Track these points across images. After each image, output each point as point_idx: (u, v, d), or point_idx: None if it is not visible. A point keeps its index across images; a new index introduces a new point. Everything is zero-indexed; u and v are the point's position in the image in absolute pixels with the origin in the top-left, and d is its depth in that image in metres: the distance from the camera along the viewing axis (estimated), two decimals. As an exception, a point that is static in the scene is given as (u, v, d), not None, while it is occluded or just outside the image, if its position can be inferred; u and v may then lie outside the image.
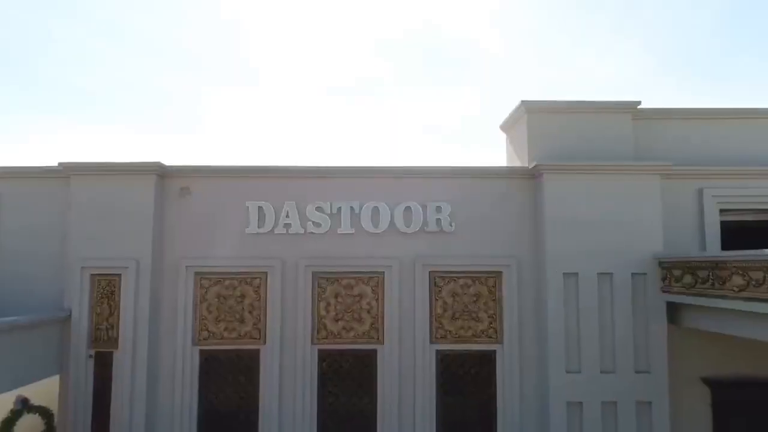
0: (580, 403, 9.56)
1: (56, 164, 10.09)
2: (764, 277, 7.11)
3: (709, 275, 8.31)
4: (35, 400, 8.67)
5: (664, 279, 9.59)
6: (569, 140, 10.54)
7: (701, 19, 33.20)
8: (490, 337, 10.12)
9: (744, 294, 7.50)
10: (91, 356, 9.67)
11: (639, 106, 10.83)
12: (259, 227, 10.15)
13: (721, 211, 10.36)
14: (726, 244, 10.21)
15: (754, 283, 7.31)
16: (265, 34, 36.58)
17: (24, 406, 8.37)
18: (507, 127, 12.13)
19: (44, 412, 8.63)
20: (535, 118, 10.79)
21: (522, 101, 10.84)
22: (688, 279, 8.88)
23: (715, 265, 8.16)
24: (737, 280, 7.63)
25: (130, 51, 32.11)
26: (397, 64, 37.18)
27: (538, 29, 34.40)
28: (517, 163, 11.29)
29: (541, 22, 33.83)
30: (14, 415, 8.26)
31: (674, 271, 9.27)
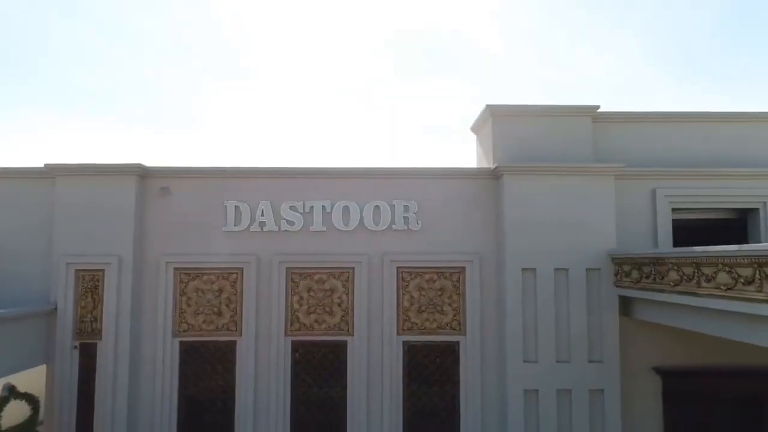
0: (537, 390, 10.17)
1: (42, 165, 10.61)
2: (694, 272, 7.69)
3: (651, 271, 8.90)
4: (22, 388, 9.23)
5: (616, 274, 10.18)
6: (532, 142, 11.10)
7: (701, 18, 33.66)
8: (454, 329, 10.71)
9: (678, 288, 8.09)
10: (75, 347, 10.24)
11: (599, 110, 11.38)
12: (235, 225, 10.71)
13: (673, 210, 10.94)
14: (678, 242, 10.78)
15: (686, 278, 7.90)
16: (263, 32, 36.97)
17: (11, 393, 8.94)
18: (476, 128, 12.67)
19: (30, 399, 9.20)
20: (500, 121, 11.34)
21: (487, 105, 11.39)
22: (635, 274, 9.48)
23: (656, 261, 8.75)
24: (673, 275, 8.22)
25: (121, 46, 32.49)
26: (396, 63, 37.60)
27: (538, 28, 34.83)
28: (485, 164, 11.85)
29: (541, 21, 34.27)
30: (1, 402, 8.83)
31: (624, 267, 9.86)
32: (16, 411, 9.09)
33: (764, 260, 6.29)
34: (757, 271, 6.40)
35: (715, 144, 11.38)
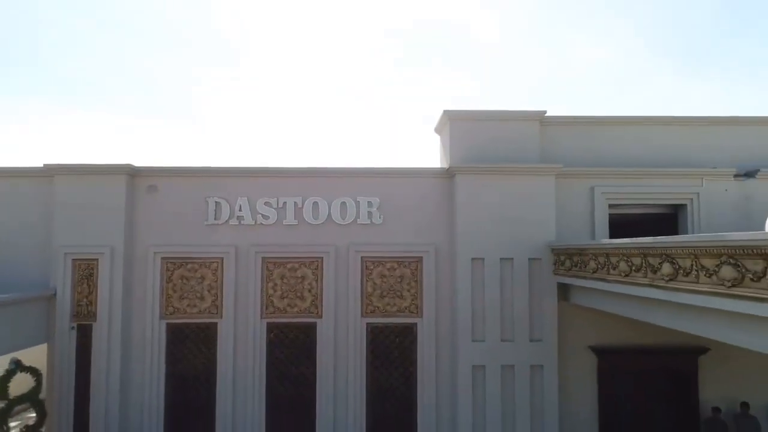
0: (484, 366, 11.44)
1: (41, 165, 11.78)
2: (605, 262, 8.92)
3: (578, 260, 10.14)
4: (27, 362, 10.46)
5: (554, 263, 11.42)
6: (485, 144, 12.27)
7: (699, 4, 34.55)
8: (412, 312, 11.96)
9: (595, 275, 9.33)
10: (73, 328, 11.47)
11: (546, 114, 12.55)
12: (216, 219, 11.91)
13: (610, 206, 12.15)
14: (614, 235, 11.99)
15: (600, 266, 9.13)
16: (261, 30, 37.90)
17: (17, 366, 10.17)
18: (438, 130, 13.83)
19: (34, 372, 10.44)
20: (456, 125, 12.51)
21: (445, 111, 12.55)
22: (568, 263, 10.71)
23: (580, 252, 9.98)
24: (592, 263, 9.46)
25: (121, 39, 33.46)
26: (393, 53, 38.60)
27: (537, 15, 35.74)
28: (445, 163, 13.02)
29: (540, 10, 35.14)
30: (9, 374, 10.07)
31: (561, 257, 11.10)
32: (22, 382, 10.34)
33: (648, 251, 7.51)
34: (644, 260, 7.63)
35: (651, 145, 12.55)
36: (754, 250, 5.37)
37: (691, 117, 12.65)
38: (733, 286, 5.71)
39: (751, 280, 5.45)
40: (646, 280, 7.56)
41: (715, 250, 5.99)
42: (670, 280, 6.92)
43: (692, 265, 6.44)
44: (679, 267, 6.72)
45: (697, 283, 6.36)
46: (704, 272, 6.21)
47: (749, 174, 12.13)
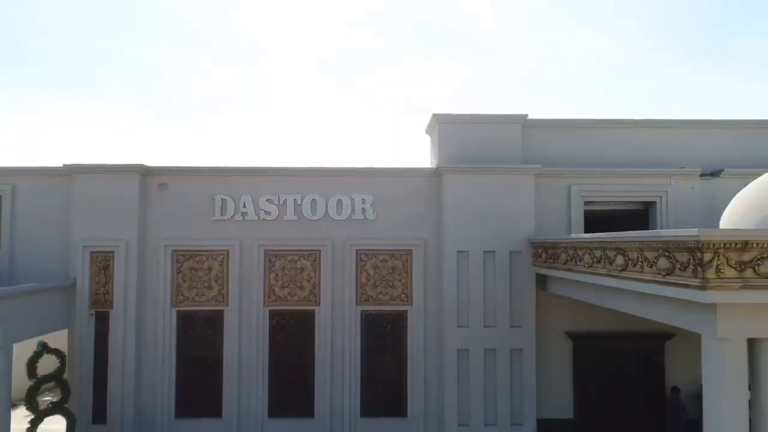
0: (468, 350, 12.48)
1: (61, 165, 12.77)
2: (573, 254, 9.94)
3: (553, 253, 11.16)
4: (52, 345, 11.48)
5: (533, 256, 12.44)
6: (470, 145, 13.26)
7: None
8: (403, 301, 12.99)
9: (566, 266, 10.36)
10: (92, 315, 12.50)
11: (527, 117, 13.53)
12: (222, 215, 12.91)
13: (586, 203, 13.16)
14: (589, 230, 12.98)
15: (569, 258, 10.16)
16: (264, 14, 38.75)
17: (44, 348, 11.18)
18: (428, 131, 14.81)
19: (59, 354, 11.46)
20: (444, 128, 13.50)
21: (433, 114, 13.55)
22: (544, 256, 11.74)
23: (554, 245, 11.01)
24: (563, 256, 10.49)
25: (110, 23, 34.27)
26: (383, 36, 39.35)
27: (535, 3, 36.34)
28: (435, 163, 14.01)
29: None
30: (37, 355, 11.10)
31: (539, 250, 12.12)
32: (48, 363, 11.38)
33: (606, 245, 8.53)
34: (603, 253, 8.65)
35: (624, 146, 13.54)
36: (681, 245, 6.38)
37: (661, 120, 13.66)
38: (667, 274, 6.73)
39: (680, 269, 6.47)
40: (604, 270, 8.59)
41: (654, 245, 7.02)
42: (622, 270, 7.95)
43: (638, 257, 7.47)
44: (629, 259, 7.75)
45: (642, 272, 7.38)
46: (647, 263, 7.24)
47: (714, 174, 13.12)
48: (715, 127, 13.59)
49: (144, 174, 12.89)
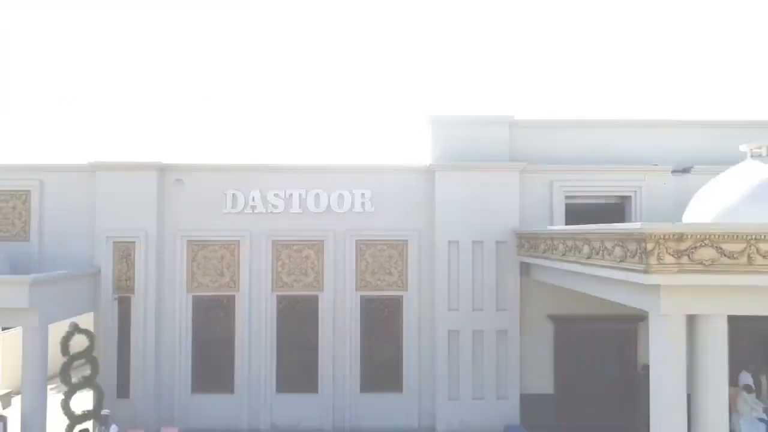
0: (458, 331, 13.72)
1: (85, 162, 13.91)
2: (550, 244, 11.14)
3: (534, 243, 12.36)
4: (82, 326, 12.68)
5: (517, 246, 13.63)
6: (461, 144, 14.38)
7: None
8: (399, 286, 14.20)
9: (544, 255, 11.56)
10: (115, 299, 13.70)
11: (514, 118, 14.66)
12: (233, 208, 14.07)
13: (567, 197, 14.32)
14: (570, 222, 14.13)
15: (547, 247, 11.36)
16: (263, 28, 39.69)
17: (75, 329, 12.39)
18: (423, 130, 15.92)
19: (88, 334, 12.66)
20: (437, 127, 14.63)
21: (428, 115, 14.68)
22: (527, 246, 12.94)
23: (535, 236, 12.21)
24: (542, 246, 11.69)
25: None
26: (379, 20, 40.07)
27: None
28: (429, 159, 15.11)
29: None
30: (69, 335, 12.31)
31: (522, 240, 13.32)
32: (79, 341, 12.59)
33: (575, 236, 9.72)
34: (573, 243, 9.85)
35: (602, 144, 14.64)
36: (631, 236, 7.57)
37: (637, 120, 14.88)
38: (621, 261, 7.93)
39: (630, 257, 7.67)
40: (574, 258, 9.79)
41: (612, 236, 8.21)
42: (588, 258, 9.15)
43: (600, 246, 8.66)
44: (593, 248, 8.94)
45: (603, 259, 8.58)
46: (607, 252, 8.43)
47: (684, 170, 14.28)
48: (686, 126, 14.75)
49: (161, 170, 14.03)
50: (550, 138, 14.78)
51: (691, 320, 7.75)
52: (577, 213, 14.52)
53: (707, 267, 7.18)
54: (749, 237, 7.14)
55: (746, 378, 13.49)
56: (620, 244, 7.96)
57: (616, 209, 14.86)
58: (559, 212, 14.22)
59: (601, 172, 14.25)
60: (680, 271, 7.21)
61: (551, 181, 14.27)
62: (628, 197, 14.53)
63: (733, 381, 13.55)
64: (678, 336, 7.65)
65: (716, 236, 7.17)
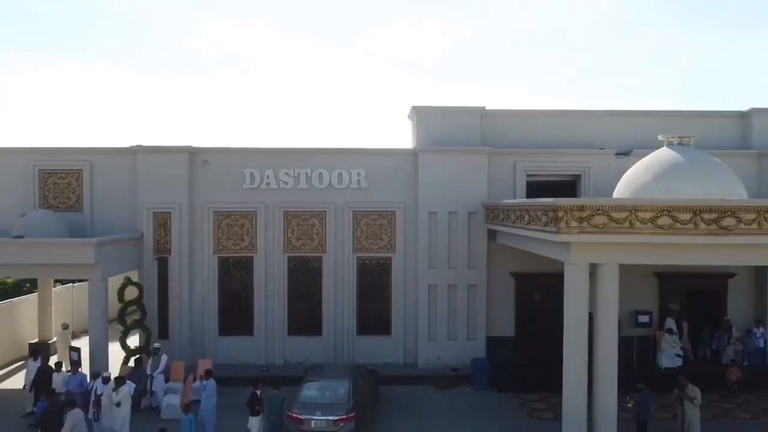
0: (436, 285, 16.81)
1: (128, 146, 16.77)
2: (507, 214, 14.11)
3: (497, 213, 15.34)
4: (132, 280, 15.74)
5: (485, 215, 16.63)
6: (441, 130, 17.25)
7: None
8: (388, 249, 17.23)
9: (504, 222, 14.54)
10: (155, 259, 16.69)
11: (486, 109, 17.49)
12: (251, 184, 16.98)
13: (528, 175, 17.26)
14: (531, 196, 17.02)
15: (505, 216, 14.33)
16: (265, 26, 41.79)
17: (128, 281, 15.46)
18: (410, 118, 18.75)
19: (138, 286, 15.74)
20: (421, 116, 17.49)
21: (413, 106, 17.53)
22: (492, 215, 15.93)
23: (497, 207, 15.20)
24: (501, 215, 14.68)
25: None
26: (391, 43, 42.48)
27: None
28: (414, 143, 17.97)
29: None
30: (123, 286, 15.39)
31: (488, 211, 16.30)
32: (131, 292, 15.65)
33: (521, 207, 12.70)
34: (520, 213, 12.84)
35: (559, 130, 17.52)
36: (550, 207, 10.56)
37: (588, 110, 17.81)
38: (545, 225, 10.94)
39: (550, 223, 10.66)
40: (520, 225, 12.81)
41: (540, 207, 11.20)
42: (528, 223, 12.16)
43: (534, 215, 11.67)
44: (531, 217, 11.95)
45: (536, 225, 11.59)
46: (538, 219, 11.44)
47: (626, 153, 17.16)
48: (628, 116, 17.66)
49: (191, 153, 16.90)
50: (514, 125, 17.65)
51: (593, 268, 10.81)
52: (537, 188, 17.50)
53: (601, 229, 10.20)
54: (630, 208, 10.17)
55: (670, 323, 16.70)
56: (545, 213, 10.97)
57: (569, 186, 17.84)
58: (521, 188, 17.17)
59: (556, 155, 17.18)
60: (581, 232, 10.23)
61: (514, 162, 17.19)
62: (579, 175, 17.47)
63: (661, 326, 16.86)
64: (583, 278, 10.73)
65: (607, 207, 10.18)
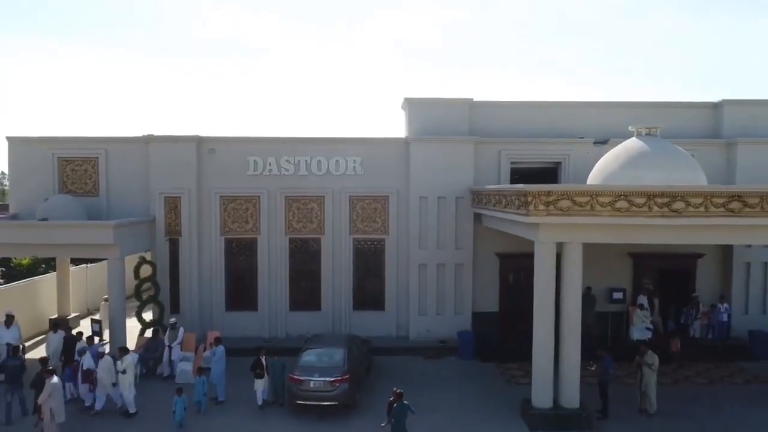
0: (426, 264, 18.19)
1: (140, 135, 18.07)
2: (489, 198, 15.42)
3: (482, 198, 16.66)
4: (147, 259, 17.14)
5: (472, 200, 17.95)
6: (431, 120, 18.49)
7: None
8: (382, 231, 18.59)
9: (487, 206, 15.86)
10: (167, 240, 18.07)
11: (474, 100, 18.71)
12: (254, 171, 18.29)
13: (512, 162, 18.55)
14: (514, 182, 18.35)
15: (488, 200, 15.65)
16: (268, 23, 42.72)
17: (143, 260, 16.86)
18: (403, 108, 19.97)
19: (152, 264, 17.15)
20: (413, 107, 18.72)
21: (405, 98, 18.76)
22: (477, 200, 17.26)
23: (481, 193, 16.51)
24: (485, 200, 16.00)
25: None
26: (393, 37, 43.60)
27: None
28: (406, 133, 19.21)
29: None
30: (139, 264, 16.79)
31: (474, 196, 17.62)
32: (145, 270, 17.06)
33: (500, 192, 14.01)
34: (499, 198, 14.16)
35: (541, 120, 18.73)
36: (521, 193, 11.88)
37: (568, 102, 19.02)
38: (518, 208, 12.27)
39: (521, 206, 11.99)
40: (499, 208, 14.14)
41: (513, 193, 12.52)
42: (505, 207, 13.49)
43: (509, 200, 12.99)
44: (508, 201, 13.28)
45: (511, 208, 12.92)
46: (512, 203, 12.77)
47: (604, 142, 18.41)
48: (606, 107, 18.87)
49: (198, 142, 18.19)
50: (500, 116, 18.87)
51: (560, 246, 12.16)
52: (520, 175, 18.80)
53: (565, 212, 11.53)
54: (591, 193, 11.48)
55: (642, 299, 18.08)
56: (517, 198, 12.31)
57: (551, 172, 19.12)
58: (506, 175, 18.46)
59: (538, 143, 18.44)
60: (548, 215, 11.56)
61: (499, 150, 18.45)
62: (559, 163, 18.74)
63: (634, 302, 18.24)
64: (551, 255, 12.08)
65: (571, 192, 11.50)
